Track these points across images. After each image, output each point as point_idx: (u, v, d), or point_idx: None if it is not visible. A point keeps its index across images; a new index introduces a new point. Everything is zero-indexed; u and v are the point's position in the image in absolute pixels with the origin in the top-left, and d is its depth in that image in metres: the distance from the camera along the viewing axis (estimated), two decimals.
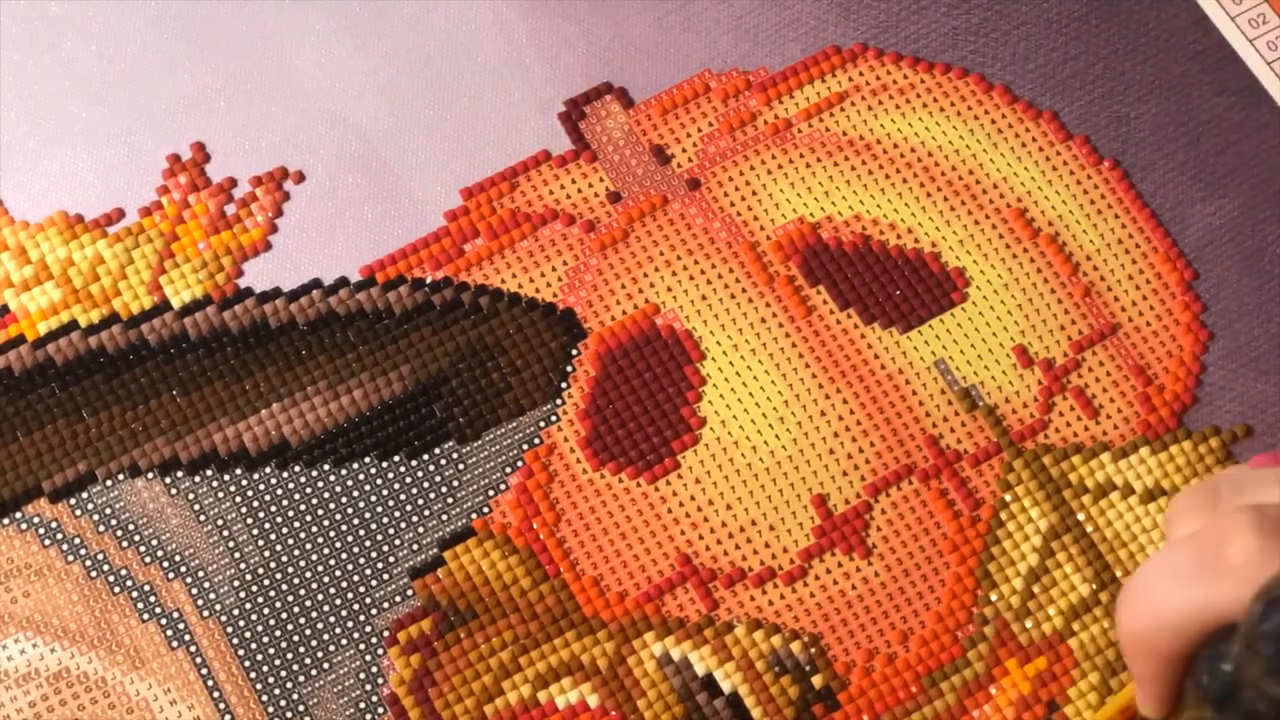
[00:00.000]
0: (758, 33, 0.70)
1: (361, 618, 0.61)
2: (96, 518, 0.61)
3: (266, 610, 0.61)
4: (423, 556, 0.61)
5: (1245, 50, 0.70)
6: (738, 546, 0.62)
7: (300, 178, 0.67)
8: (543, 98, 0.69)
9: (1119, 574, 0.62)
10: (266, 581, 0.61)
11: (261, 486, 0.62)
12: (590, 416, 0.64)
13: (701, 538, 0.62)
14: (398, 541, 0.62)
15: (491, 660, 0.60)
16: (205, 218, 0.66)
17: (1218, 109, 0.69)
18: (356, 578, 0.61)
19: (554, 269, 0.66)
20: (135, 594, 0.60)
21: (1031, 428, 0.64)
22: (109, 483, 0.62)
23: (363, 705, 0.60)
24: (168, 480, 0.62)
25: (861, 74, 0.69)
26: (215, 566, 0.61)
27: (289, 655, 0.60)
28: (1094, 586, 0.62)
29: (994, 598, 0.62)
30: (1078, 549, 0.62)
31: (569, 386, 0.64)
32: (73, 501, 0.61)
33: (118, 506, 0.61)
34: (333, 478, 0.62)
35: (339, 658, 0.60)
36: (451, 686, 0.60)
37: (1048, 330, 0.66)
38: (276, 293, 0.65)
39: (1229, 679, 0.40)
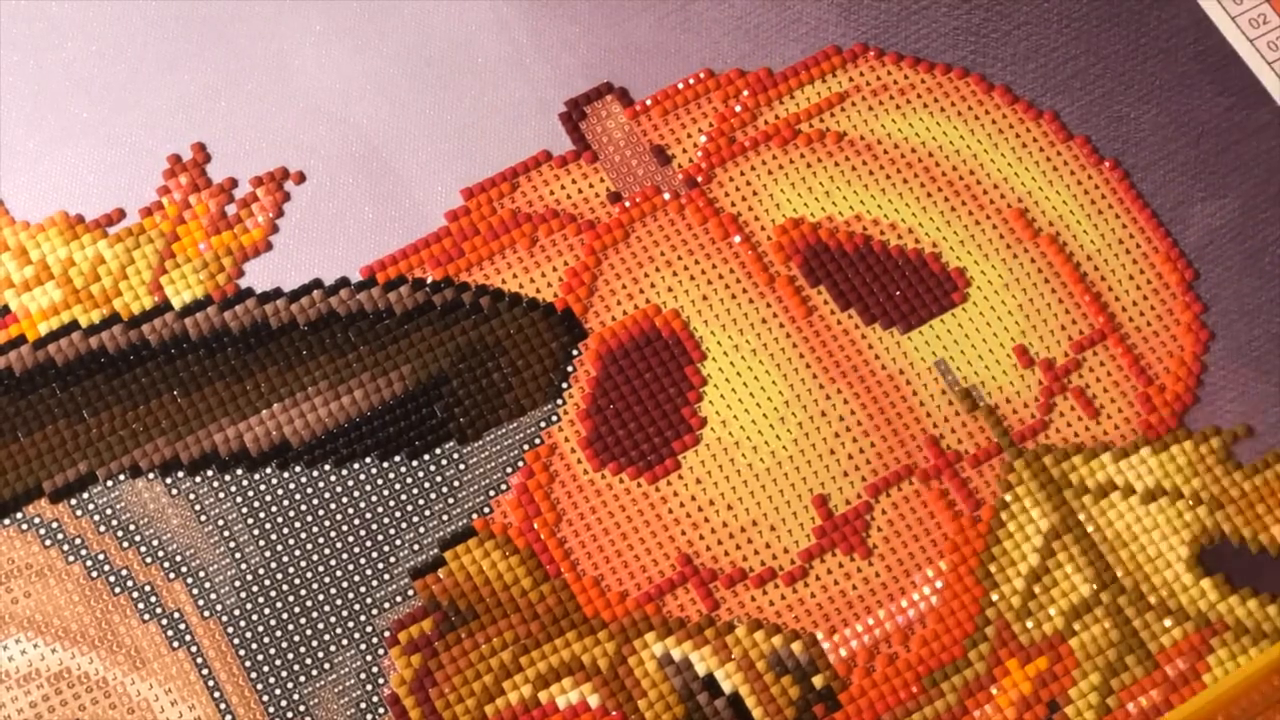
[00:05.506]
0: (758, 33, 0.70)
1: (362, 618, 0.61)
2: (97, 518, 0.61)
3: (267, 610, 0.61)
4: (423, 556, 0.61)
5: (1245, 50, 0.70)
6: (738, 547, 0.62)
7: (301, 178, 0.67)
8: (543, 98, 0.69)
9: (1119, 574, 0.62)
10: (267, 581, 0.61)
11: (262, 487, 0.62)
12: (591, 417, 0.64)
13: (702, 538, 0.62)
14: (398, 541, 0.62)
15: (492, 660, 0.60)
16: (206, 218, 0.66)
17: (1218, 109, 0.69)
18: (357, 578, 0.61)
19: (554, 269, 0.66)
20: (136, 594, 0.60)
21: (1032, 428, 0.64)
22: (110, 483, 0.62)
23: (363, 705, 0.60)
24: (168, 480, 0.62)
25: (862, 74, 0.69)
26: (216, 567, 0.61)
27: (290, 655, 0.60)
28: (1094, 587, 0.62)
29: (994, 598, 0.62)
30: (1078, 549, 0.62)
31: (569, 387, 0.64)
32: (73, 502, 0.61)
33: (118, 507, 0.61)
34: (333, 478, 0.62)
35: (340, 658, 0.60)
36: (452, 686, 0.60)
37: (1048, 330, 0.66)
38: (277, 293, 0.65)
39: None
